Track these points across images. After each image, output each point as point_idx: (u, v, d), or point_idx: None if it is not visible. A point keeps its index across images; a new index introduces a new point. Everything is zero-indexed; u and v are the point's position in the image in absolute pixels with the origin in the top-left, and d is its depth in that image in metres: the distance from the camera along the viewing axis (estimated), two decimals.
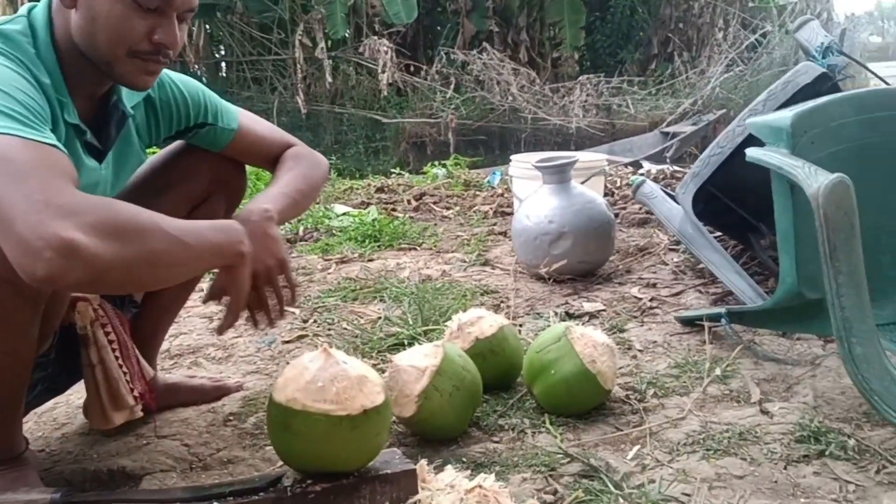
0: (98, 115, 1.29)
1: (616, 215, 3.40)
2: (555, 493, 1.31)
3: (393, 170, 5.73)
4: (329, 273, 2.87)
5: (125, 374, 1.43)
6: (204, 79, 11.68)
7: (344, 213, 3.81)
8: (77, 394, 1.67)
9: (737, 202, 2.51)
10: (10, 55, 1.12)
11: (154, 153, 1.57)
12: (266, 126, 1.57)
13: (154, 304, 1.59)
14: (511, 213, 3.50)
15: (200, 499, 1.14)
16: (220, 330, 1.30)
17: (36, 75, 1.14)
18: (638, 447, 1.46)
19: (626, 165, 5.22)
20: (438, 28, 13.28)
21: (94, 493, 1.37)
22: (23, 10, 1.21)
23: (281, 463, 1.32)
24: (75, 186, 1.01)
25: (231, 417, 1.66)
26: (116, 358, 1.42)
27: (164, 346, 1.96)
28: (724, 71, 11.00)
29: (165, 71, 1.35)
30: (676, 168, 4.43)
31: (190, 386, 1.76)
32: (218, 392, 1.77)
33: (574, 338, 1.59)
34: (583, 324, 2.13)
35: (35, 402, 1.46)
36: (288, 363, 1.32)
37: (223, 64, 12.92)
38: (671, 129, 9.25)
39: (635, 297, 2.40)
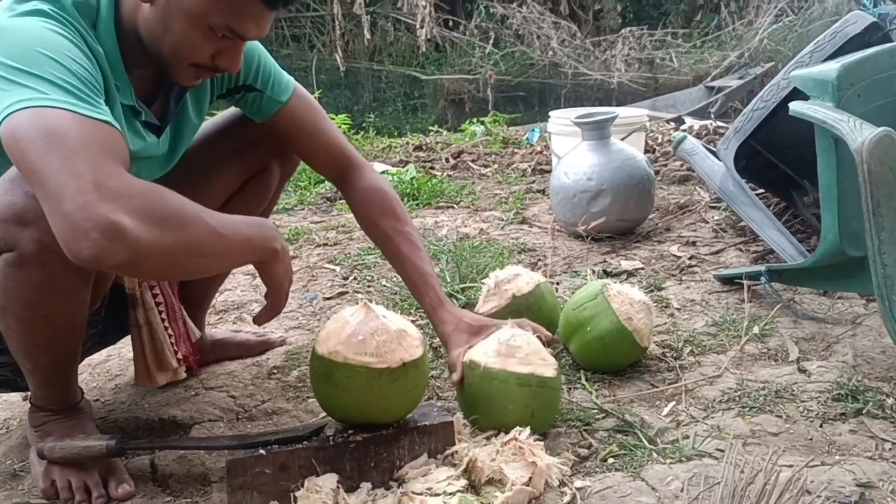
0: (155, 87, 1.30)
1: (656, 172, 3.36)
2: (589, 447, 1.33)
3: (431, 127, 5.71)
4: None
5: (170, 336, 1.48)
6: None
7: (383, 172, 3.84)
8: (128, 346, 1.73)
9: (780, 158, 2.46)
10: (65, 21, 1.11)
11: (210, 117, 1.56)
12: (323, 118, 1.52)
13: None
14: (549, 171, 3.48)
15: (247, 446, 1.19)
16: (257, 320, 1.33)
17: (91, 45, 1.13)
18: (673, 404, 1.47)
19: (668, 121, 5.12)
20: None
21: (147, 440, 1.44)
22: None
23: (323, 414, 1.37)
24: (126, 167, 1.02)
25: (275, 370, 1.72)
26: (163, 320, 1.47)
27: None
28: (773, 21, 10.65)
29: None
30: (720, 123, 4.33)
31: (235, 341, 1.82)
32: (262, 346, 1.83)
33: (610, 295, 1.60)
34: (620, 282, 2.14)
35: (86, 353, 1.52)
36: (329, 319, 1.35)
37: None
38: (716, 83, 9.01)
39: (674, 255, 2.39)
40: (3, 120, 0.98)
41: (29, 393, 1.36)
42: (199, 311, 1.72)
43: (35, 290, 1.14)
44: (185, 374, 1.52)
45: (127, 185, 0.98)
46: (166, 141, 1.36)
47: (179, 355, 1.48)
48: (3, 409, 1.62)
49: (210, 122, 1.56)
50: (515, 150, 4.36)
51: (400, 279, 2.27)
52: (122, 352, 1.80)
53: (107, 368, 1.79)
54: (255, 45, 1.41)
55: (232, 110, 1.55)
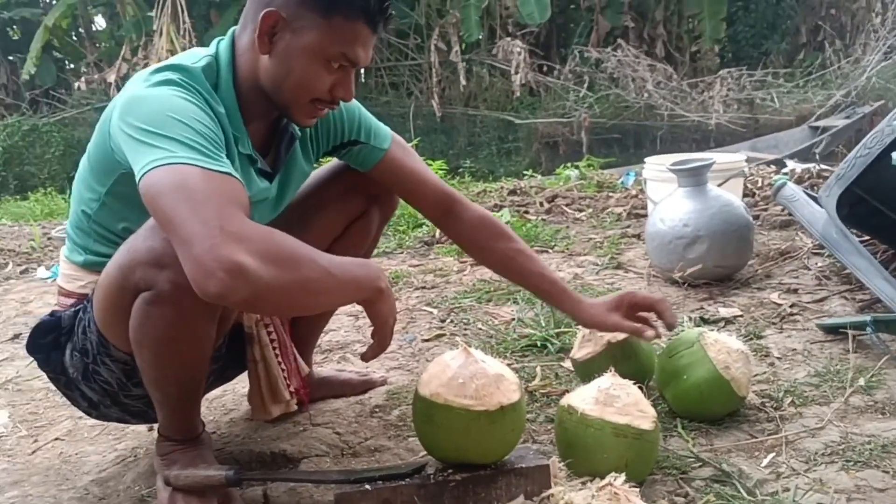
0: (269, 139, 1.45)
1: (756, 217, 3.31)
2: (686, 495, 1.34)
3: (525, 171, 5.79)
4: (464, 275, 2.98)
5: (283, 370, 1.59)
6: None
7: None
8: (242, 383, 1.86)
9: (887, 205, 2.39)
10: (192, 88, 1.27)
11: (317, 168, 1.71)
12: (420, 162, 1.65)
13: None
14: (645, 215, 3.48)
15: (354, 481, 1.27)
16: (364, 357, 1.41)
17: (213, 106, 1.29)
18: (773, 455, 1.45)
19: (768, 164, 5.02)
20: (572, 26, 13.19)
21: (261, 472, 1.54)
22: (210, 47, 1.38)
23: (424, 452, 1.43)
24: (246, 213, 1.13)
25: (377, 409, 1.80)
26: (276, 356, 1.58)
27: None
28: (882, 59, 10.24)
29: None
30: (825, 167, 4.22)
31: (340, 380, 1.92)
32: (365, 385, 1.91)
33: (707, 343, 1.60)
34: (718, 329, 2.12)
35: (207, 389, 1.65)
36: (428, 360, 1.42)
37: (362, 70, 13.43)
38: (821, 123, 8.73)
39: (775, 302, 2.35)
40: (141, 178, 1.12)
41: (155, 424, 1.49)
42: (307, 349, 1.83)
43: (168, 327, 1.26)
44: (296, 407, 1.61)
45: (247, 229, 1.09)
46: (276, 186, 1.49)
47: (291, 388, 1.58)
48: (131, 438, 1.76)
49: (315, 173, 1.69)
50: (610, 194, 4.38)
51: (496, 321, 2.34)
52: (235, 388, 1.93)
53: (222, 403, 1.92)
54: (356, 104, 1.55)
55: (335, 162, 1.68)
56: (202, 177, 1.12)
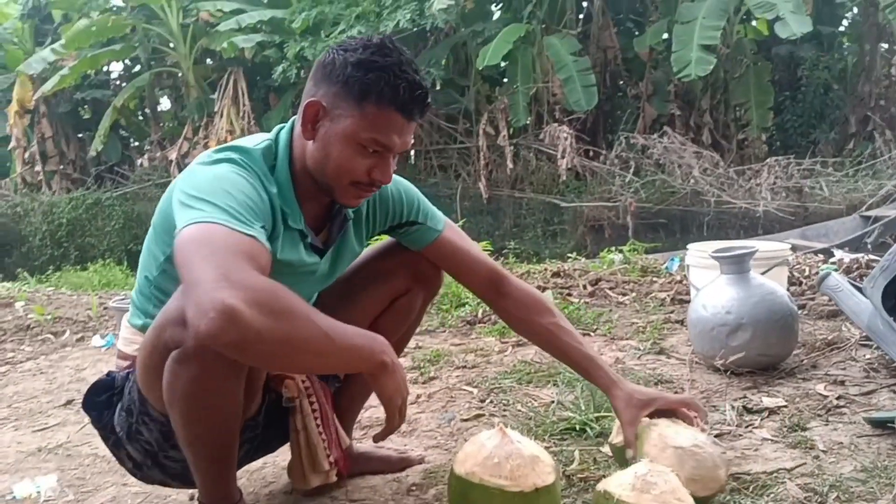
0: (323, 218, 1.54)
1: (802, 307, 3.27)
2: None
3: (569, 254, 5.82)
4: (506, 355, 3.00)
5: (324, 440, 1.63)
6: None
7: None
8: (282, 455, 1.89)
9: None
10: (248, 167, 1.39)
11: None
12: (469, 241, 1.75)
13: (354, 380, 1.79)
14: (688, 301, 3.46)
15: None
16: (375, 438, 1.45)
17: (265, 185, 1.40)
18: None
19: (816, 253, 4.97)
20: (618, 113, 13.42)
21: None
22: (272, 132, 1.50)
23: None
24: (261, 272, 1.19)
25: (414, 487, 1.81)
26: (318, 426, 1.62)
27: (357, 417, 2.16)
28: None
29: None
30: (873, 257, 4.16)
31: (378, 456, 1.94)
32: (402, 463, 1.92)
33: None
34: (761, 420, 2.10)
35: (246, 459, 1.68)
36: (466, 440, 1.44)
37: (412, 153, 13.80)
38: (873, 212, 8.62)
39: (820, 394, 2.30)
40: (176, 235, 1.21)
41: (195, 491, 1.53)
42: (348, 423, 1.87)
43: (193, 384, 1.31)
44: (335, 478, 1.63)
45: (250, 279, 1.15)
46: (327, 261, 1.57)
47: (331, 459, 1.61)
48: None
49: (366, 250, 1.77)
50: (654, 279, 4.37)
51: (535, 403, 2.34)
52: (276, 460, 1.96)
53: (262, 475, 1.95)
54: (410, 186, 1.66)
55: (385, 241, 1.76)
56: (225, 234, 1.20)
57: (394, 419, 1.38)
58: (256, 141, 1.46)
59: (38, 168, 15.38)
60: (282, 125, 1.51)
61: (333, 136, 1.39)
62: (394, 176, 1.63)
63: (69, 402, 2.71)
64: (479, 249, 1.74)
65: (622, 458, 1.70)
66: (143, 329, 1.51)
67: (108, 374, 1.56)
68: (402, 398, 1.35)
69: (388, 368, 1.30)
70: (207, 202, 1.25)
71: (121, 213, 13.37)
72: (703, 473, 1.53)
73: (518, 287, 1.72)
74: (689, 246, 3.44)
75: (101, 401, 1.53)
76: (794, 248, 3.53)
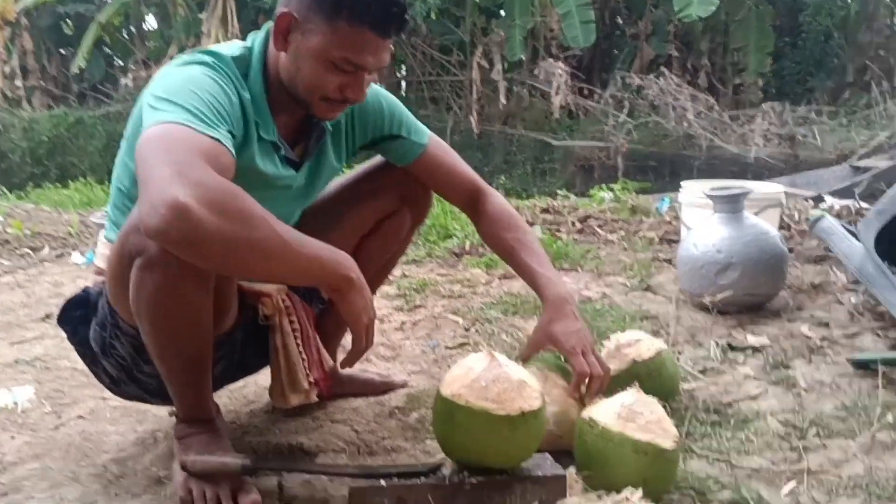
0: (299, 130, 1.49)
1: (791, 250, 3.26)
2: None
3: (559, 191, 5.77)
4: (491, 287, 2.98)
5: (304, 360, 1.59)
6: None
7: None
8: (264, 375, 1.87)
9: None
10: (220, 70, 1.33)
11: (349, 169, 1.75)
12: (454, 156, 1.70)
13: None
14: (677, 241, 3.45)
15: (370, 476, 1.27)
16: (342, 364, 1.42)
17: (238, 91, 1.34)
18: (793, 484, 1.43)
19: (806, 199, 4.95)
20: (615, 52, 13.20)
21: (277, 462, 1.55)
22: (247, 40, 1.43)
23: (441, 455, 1.42)
24: (221, 174, 1.13)
25: (396, 410, 1.80)
26: (298, 345, 1.58)
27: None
28: None
29: None
30: (864, 205, 4.15)
31: (361, 379, 1.93)
32: (385, 387, 1.92)
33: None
34: (745, 357, 2.10)
35: (226, 377, 1.65)
36: (450, 367, 1.42)
37: (403, 83, 13.55)
38: (863, 163, 8.59)
39: (805, 334, 2.31)
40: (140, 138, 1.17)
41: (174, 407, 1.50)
42: (333, 343, 1.84)
43: (159, 292, 1.26)
44: (316, 398, 1.60)
45: (206, 178, 1.10)
46: (304, 176, 1.51)
47: (311, 378, 1.58)
48: (152, 421, 1.78)
49: (351, 170, 1.73)
50: (643, 219, 4.34)
51: (520, 333, 2.33)
52: (257, 380, 1.94)
53: (244, 394, 1.93)
54: (393, 101, 1.60)
55: (371, 161, 1.70)
56: (186, 134, 1.16)
57: (361, 340, 1.34)
58: (230, 47, 1.40)
59: (18, 82, 14.98)
60: (258, 31, 1.44)
61: (304, 51, 1.33)
62: (376, 87, 1.57)
63: (47, 317, 2.67)
64: (463, 164, 1.70)
65: (608, 389, 1.69)
66: None
67: (84, 289, 1.51)
68: (368, 318, 1.32)
69: (356, 284, 1.26)
70: (173, 103, 1.20)
71: (103, 133, 13.05)
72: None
73: (495, 204, 1.68)
74: (682, 184, 3.41)
75: (76, 316, 1.49)
76: (785, 194, 3.50)
